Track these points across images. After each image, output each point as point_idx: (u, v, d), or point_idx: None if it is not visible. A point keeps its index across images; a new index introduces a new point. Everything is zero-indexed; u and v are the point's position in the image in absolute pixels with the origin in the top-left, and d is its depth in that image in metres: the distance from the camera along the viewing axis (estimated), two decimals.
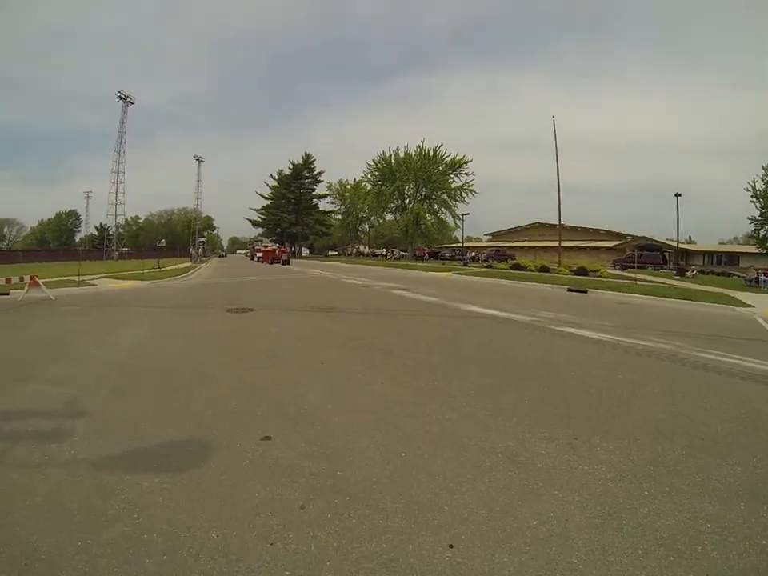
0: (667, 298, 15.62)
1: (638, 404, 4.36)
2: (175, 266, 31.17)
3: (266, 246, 49.65)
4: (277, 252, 44.32)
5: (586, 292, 17.64)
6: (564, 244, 41.36)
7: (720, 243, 74.70)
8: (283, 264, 40.30)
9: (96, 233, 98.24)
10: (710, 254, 58.10)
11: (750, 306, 14.21)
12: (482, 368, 5.68)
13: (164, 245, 36.30)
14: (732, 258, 55.10)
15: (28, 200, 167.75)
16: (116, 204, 74.07)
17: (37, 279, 12.99)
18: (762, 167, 42.01)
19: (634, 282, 22.53)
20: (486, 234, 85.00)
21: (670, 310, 13.05)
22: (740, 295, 17.82)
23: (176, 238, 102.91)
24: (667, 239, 58.78)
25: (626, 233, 60.78)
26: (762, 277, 26.48)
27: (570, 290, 18.35)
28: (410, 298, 13.49)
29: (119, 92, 71.50)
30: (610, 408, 4.19)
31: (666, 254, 49.15)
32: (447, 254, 60.07)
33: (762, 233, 42.78)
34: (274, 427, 3.66)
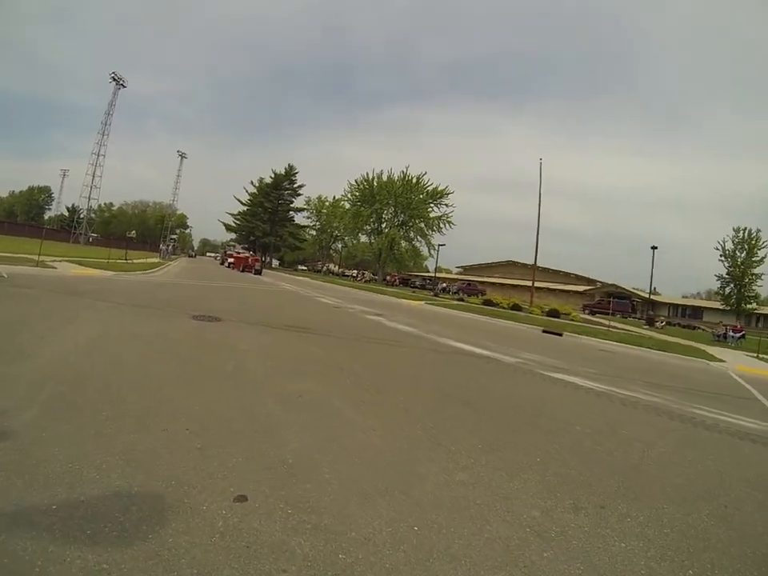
0: (643, 347, 15.98)
1: (653, 466, 4.14)
2: (143, 260, 29.74)
3: (239, 253, 47.48)
4: (250, 260, 41.92)
5: (561, 335, 17.72)
6: (536, 284, 41.60)
7: (683, 297, 77.22)
8: (255, 273, 38.16)
9: (67, 214, 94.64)
10: (675, 306, 60.07)
11: (722, 360, 14.81)
12: (480, 415, 5.06)
13: (134, 236, 34.40)
14: (696, 312, 57.29)
15: (3, 168, 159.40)
16: (91, 187, 72.11)
17: None
18: (733, 228, 44.15)
19: (607, 328, 22.73)
20: (458, 267, 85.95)
21: (648, 360, 13.34)
22: (710, 350, 18.72)
23: (148, 231, 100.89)
24: (633, 288, 60.30)
25: (595, 278, 62.39)
26: (730, 333, 27.18)
27: (544, 331, 18.45)
28: (387, 326, 12.82)
29: (113, 73, 70.91)
30: (627, 471, 3.89)
31: (634, 303, 50.27)
32: (418, 283, 60.21)
33: (727, 290, 44.58)
34: (249, 482, 2.84)
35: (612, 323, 25.53)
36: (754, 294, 44.20)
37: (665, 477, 3.86)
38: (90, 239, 71.74)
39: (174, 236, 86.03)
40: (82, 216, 76.63)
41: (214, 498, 2.59)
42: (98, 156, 71.53)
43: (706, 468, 4.21)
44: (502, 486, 3.27)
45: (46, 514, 2.24)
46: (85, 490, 2.50)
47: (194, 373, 5.19)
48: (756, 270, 43.15)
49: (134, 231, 36.41)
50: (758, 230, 42.86)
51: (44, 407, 3.60)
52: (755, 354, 18.78)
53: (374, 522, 2.59)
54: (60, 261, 19.02)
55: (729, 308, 45.04)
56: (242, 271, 38.58)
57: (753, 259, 43.14)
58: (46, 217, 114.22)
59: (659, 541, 2.76)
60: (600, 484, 3.52)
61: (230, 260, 45.05)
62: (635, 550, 2.61)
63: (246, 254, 45.87)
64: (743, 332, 28.21)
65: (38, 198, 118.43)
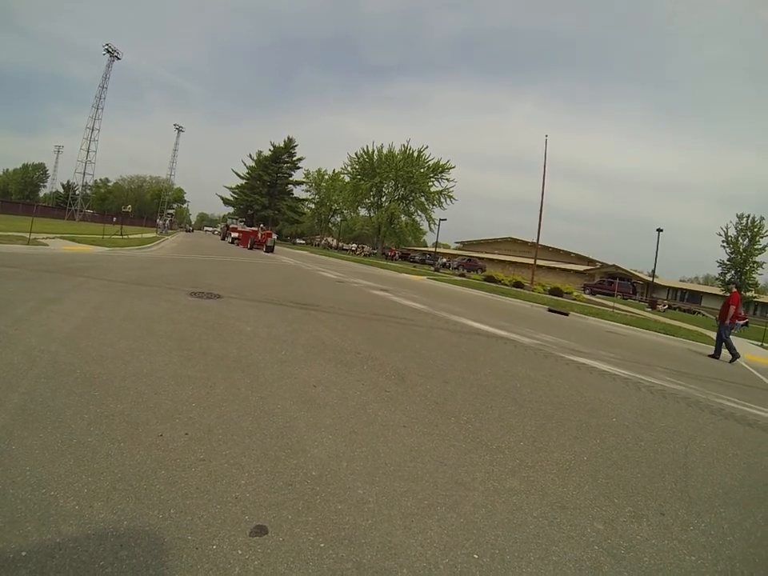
0: (650, 330, 15.82)
1: (699, 464, 3.91)
2: (139, 235, 28.76)
3: (245, 227, 41.57)
4: (260, 235, 35.34)
5: (567, 314, 17.52)
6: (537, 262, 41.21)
7: (681, 281, 77.23)
8: (266, 251, 32.55)
9: (62, 190, 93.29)
10: (674, 289, 60.07)
11: None
12: (513, 405, 4.64)
13: (129, 210, 32.76)
14: (694, 297, 57.50)
15: None
16: (86, 162, 70.51)
17: None
18: (736, 215, 44.10)
19: (611, 309, 22.45)
20: (457, 242, 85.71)
21: (659, 344, 13.42)
22: (714, 335, 17.96)
23: (144, 206, 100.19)
24: (632, 269, 60.09)
25: (595, 258, 62.09)
26: (735, 320, 26.92)
27: (550, 310, 18.25)
28: (394, 302, 12.37)
29: (107, 45, 68.74)
30: (676, 470, 3.68)
31: (635, 285, 50.23)
32: (418, 257, 59.89)
33: (728, 276, 44.67)
34: (268, 506, 2.30)
35: (615, 304, 25.31)
36: (754, 282, 44.25)
37: (713, 476, 3.67)
38: (84, 216, 70.52)
39: (171, 211, 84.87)
40: (77, 192, 75.16)
41: (225, 532, 2.06)
42: (93, 131, 69.65)
43: (750, 466, 4.07)
44: (556, 493, 2.96)
45: (12, 566, 1.69)
46: (61, 528, 1.94)
47: (192, 362, 4.54)
48: (757, 259, 43.13)
49: (129, 206, 34.58)
50: (762, 218, 42.77)
51: (16, 411, 2.99)
52: (759, 343, 18.71)
53: (427, 553, 2.13)
54: (53, 237, 18.19)
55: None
56: (251, 248, 33.71)
57: (755, 247, 43.12)
58: (41, 194, 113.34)
59: (725, 551, 2.59)
60: (653, 486, 3.29)
61: (234, 235, 39.64)
62: (706, 564, 2.44)
63: (255, 228, 39.24)
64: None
65: (32, 175, 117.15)
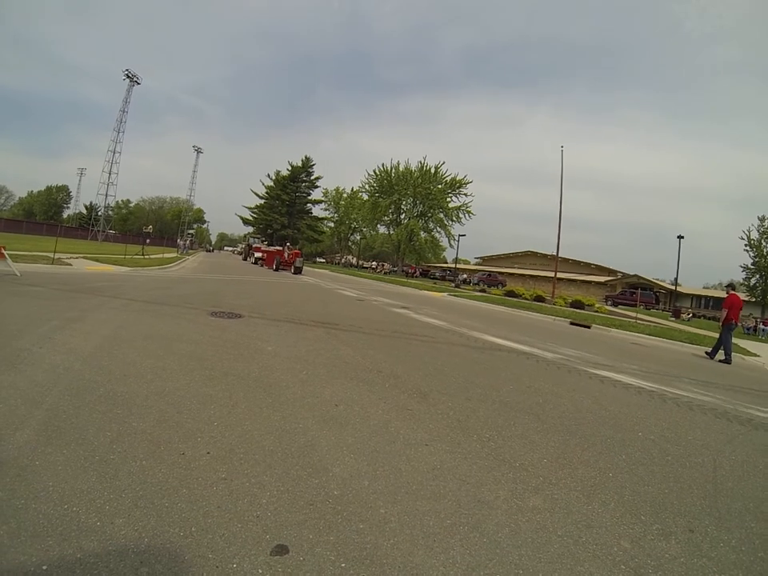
0: (675, 341, 15.48)
1: (729, 478, 3.79)
2: (160, 255, 29.31)
3: (268, 246, 39.39)
4: (287, 255, 31.49)
5: (589, 327, 17.27)
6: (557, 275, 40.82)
7: (704, 288, 75.73)
8: (294, 272, 29.33)
9: (85, 211, 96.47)
10: (698, 297, 58.73)
11: (756, 355, 14.61)
12: (535, 422, 4.55)
13: (151, 230, 33.23)
14: (719, 303, 55.84)
15: (22, 169, 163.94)
16: (108, 184, 73.38)
17: (3, 251, 11.45)
18: (758, 217, 42.97)
19: (634, 320, 22.14)
20: (476, 258, 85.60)
21: (684, 354, 13.19)
22: (741, 343, 18.06)
23: (165, 226, 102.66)
24: (654, 278, 59.12)
25: (616, 269, 61.28)
26: (761, 326, 26.42)
27: (572, 323, 18.04)
28: (415, 319, 12.31)
29: (126, 70, 72.23)
30: (704, 484, 3.55)
31: (657, 294, 49.34)
32: (438, 274, 59.93)
33: (752, 281, 43.42)
34: (289, 526, 2.28)
35: (638, 315, 24.93)
36: None
37: (744, 490, 3.55)
38: (106, 236, 72.69)
39: (191, 231, 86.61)
40: (99, 213, 77.42)
41: (246, 551, 2.05)
42: (114, 153, 72.72)
43: None
44: (581, 511, 2.86)
45: None
46: (82, 543, 1.95)
47: (214, 380, 4.60)
48: None
49: (150, 226, 35.21)
50: None
51: (40, 427, 3.05)
52: None
53: (450, 573, 2.09)
54: (76, 257, 18.84)
55: (754, 299, 43.84)
56: (276, 269, 30.66)
57: None
58: (65, 215, 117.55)
59: (757, 567, 2.50)
60: (681, 502, 3.18)
61: (258, 254, 37.23)
62: None
63: (280, 247, 35.73)
64: None
65: (56, 197, 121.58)
